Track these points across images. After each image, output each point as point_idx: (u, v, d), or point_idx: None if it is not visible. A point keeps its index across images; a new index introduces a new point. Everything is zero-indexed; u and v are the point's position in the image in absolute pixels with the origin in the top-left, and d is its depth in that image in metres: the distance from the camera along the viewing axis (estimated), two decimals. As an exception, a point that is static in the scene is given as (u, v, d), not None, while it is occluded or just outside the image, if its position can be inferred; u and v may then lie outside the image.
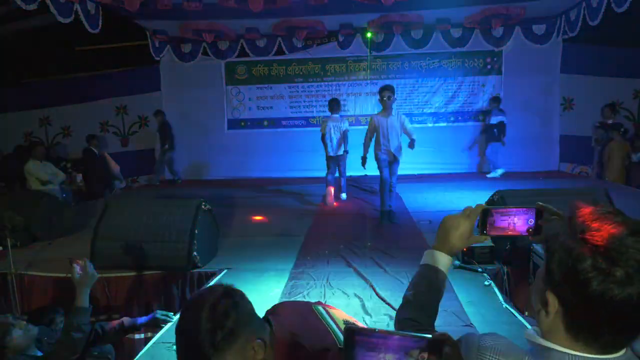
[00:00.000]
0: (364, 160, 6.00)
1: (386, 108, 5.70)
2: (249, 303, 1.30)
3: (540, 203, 1.19)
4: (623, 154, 8.00)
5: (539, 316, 0.93)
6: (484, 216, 1.19)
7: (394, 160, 5.83)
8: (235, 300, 1.26)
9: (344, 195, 7.44)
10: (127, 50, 10.56)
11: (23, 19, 8.44)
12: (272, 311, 1.58)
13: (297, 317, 1.54)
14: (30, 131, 10.69)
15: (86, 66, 10.67)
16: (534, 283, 1.00)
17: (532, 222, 1.18)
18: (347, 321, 1.66)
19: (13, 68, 10.50)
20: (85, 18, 6.54)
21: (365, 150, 5.99)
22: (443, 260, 1.22)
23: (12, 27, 9.06)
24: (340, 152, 7.08)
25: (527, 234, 1.19)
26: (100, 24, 6.89)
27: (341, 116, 7.27)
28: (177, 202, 4.66)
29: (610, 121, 8.63)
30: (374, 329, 0.84)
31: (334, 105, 7.15)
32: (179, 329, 1.26)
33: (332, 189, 7.09)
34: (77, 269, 2.51)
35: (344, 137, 7.00)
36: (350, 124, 7.48)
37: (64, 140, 10.70)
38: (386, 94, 5.62)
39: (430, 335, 0.81)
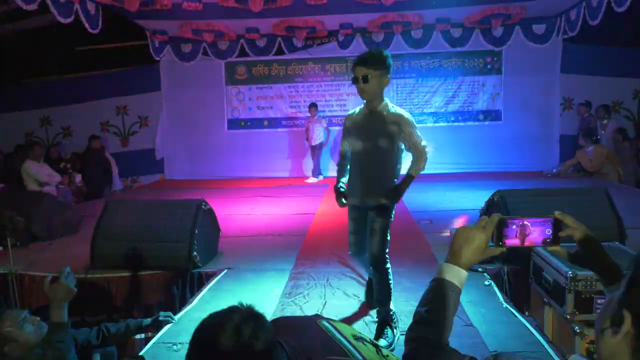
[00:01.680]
0: (338, 195, 3.04)
1: (365, 99, 2.94)
2: (271, 327, 1.16)
3: (558, 212, 1.15)
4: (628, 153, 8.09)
5: (603, 337, 0.86)
6: (500, 227, 1.14)
7: (373, 208, 2.95)
8: (262, 323, 1.11)
9: (321, 177, 9.52)
10: (127, 50, 10.58)
11: (23, 19, 8.44)
12: (277, 331, 1.51)
13: (308, 339, 1.41)
14: (31, 131, 10.69)
15: (86, 66, 10.67)
16: (605, 305, 0.93)
17: (549, 232, 1.14)
18: (355, 335, 1.60)
19: (13, 68, 10.51)
20: (85, 18, 6.53)
21: (339, 175, 3.16)
22: (458, 275, 1.16)
23: (12, 27, 9.06)
24: (318, 142, 9.40)
25: (543, 244, 1.15)
26: (100, 24, 6.89)
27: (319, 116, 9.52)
28: (177, 202, 4.67)
29: (605, 121, 8.67)
30: None
31: (316, 108, 9.43)
32: (195, 352, 1.08)
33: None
34: (65, 272, 2.33)
35: (322, 132, 9.39)
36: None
37: (64, 140, 10.70)
38: (360, 71, 2.85)
39: None
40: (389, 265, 2.99)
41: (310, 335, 1.45)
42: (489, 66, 9.83)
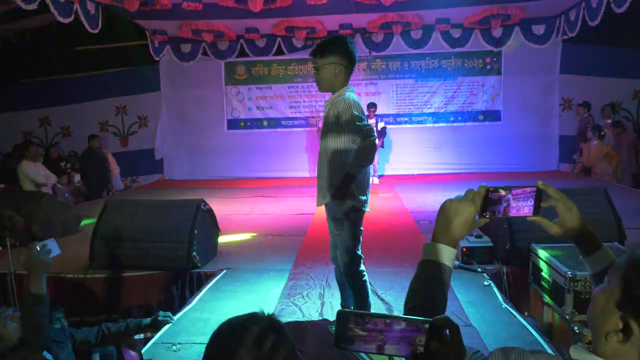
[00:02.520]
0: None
1: (320, 90, 2.81)
2: (292, 339, 1.06)
3: (541, 182, 1.14)
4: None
5: (608, 338, 0.86)
6: (486, 198, 1.12)
7: (329, 213, 2.83)
8: (283, 335, 1.01)
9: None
10: (126, 50, 10.58)
11: (23, 18, 8.43)
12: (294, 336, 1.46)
13: (320, 346, 1.40)
14: (30, 131, 10.68)
15: (86, 66, 10.66)
16: (595, 302, 0.93)
17: (532, 202, 1.14)
18: None
19: (12, 68, 10.50)
20: (85, 18, 6.53)
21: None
22: (447, 253, 1.09)
23: (12, 26, 9.06)
24: None
25: (526, 214, 1.15)
26: (99, 23, 6.89)
27: None
28: (177, 202, 4.66)
29: (609, 121, 8.68)
30: (370, 314, 0.82)
31: None
32: None
33: None
34: (36, 246, 2.33)
35: None
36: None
37: (63, 140, 10.69)
38: (312, 63, 2.71)
39: (430, 319, 0.79)
40: (364, 278, 2.85)
41: (322, 342, 1.41)
42: (488, 66, 9.83)
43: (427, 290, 1.07)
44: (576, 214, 1.17)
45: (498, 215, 1.14)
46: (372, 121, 8.24)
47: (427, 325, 0.79)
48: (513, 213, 1.14)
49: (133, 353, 2.97)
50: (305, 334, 1.45)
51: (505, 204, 1.13)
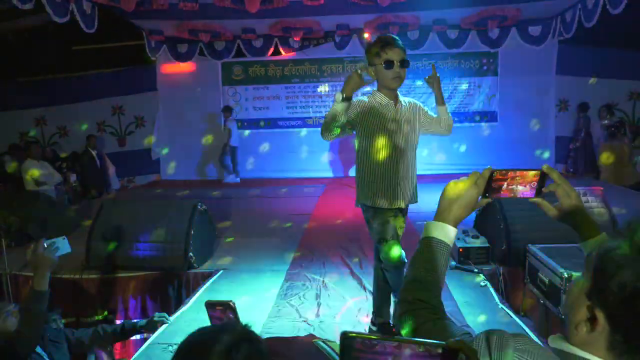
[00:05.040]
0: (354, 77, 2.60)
1: (397, 87, 2.66)
2: (267, 352, 0.99)
3: (546, 166, 1.16)
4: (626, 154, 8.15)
5: (578, 328, 0.87)
6: (489, 180, 1.15)
7: (403, 213, 2.86)
8: (257, 347, 0.95)
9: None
10: (123, 50, 10.55)
11: (19, 18, 8.41)
12: (272, 352, 1.40)
13: None
14: (26, 131, 10.63)
15: (83, 66, 10.64)
16: (569, 292, 0.94)
17: (535, 184, 1.16)
18: None
19: (9, 67, 10.46)
20: (81, 17, 6.50)
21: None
22: (447, 232, 1.13)
23: (8, 26, 9.03)
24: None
25: (528, 196, 1.18)
26: (96, 23, 6.86)
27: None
28: (173, 203, 4.67)
29: (605, 122, 8.72)
30: (379, 337, 0.78)
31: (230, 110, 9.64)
32: None
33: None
34: (42, 243, 2.38)
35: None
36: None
37: (60, 140, 10.66)
38: (400, 54, 2.56)
39: (443, 343, 0.75)
40: None
41: (306, 356, 1.38)
42: (485, 67, 9.86)
43: (425, 265, 1.11)
44: (575, 200, 1.19)
45: (501, 195, 1.17)
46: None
47: (439, 350, 0.75)
48: (515, 193, 1.17)
49: (105, 354, 2.99)
50: (288, 348, 1.40)
51: (508, 186, 1.16)
